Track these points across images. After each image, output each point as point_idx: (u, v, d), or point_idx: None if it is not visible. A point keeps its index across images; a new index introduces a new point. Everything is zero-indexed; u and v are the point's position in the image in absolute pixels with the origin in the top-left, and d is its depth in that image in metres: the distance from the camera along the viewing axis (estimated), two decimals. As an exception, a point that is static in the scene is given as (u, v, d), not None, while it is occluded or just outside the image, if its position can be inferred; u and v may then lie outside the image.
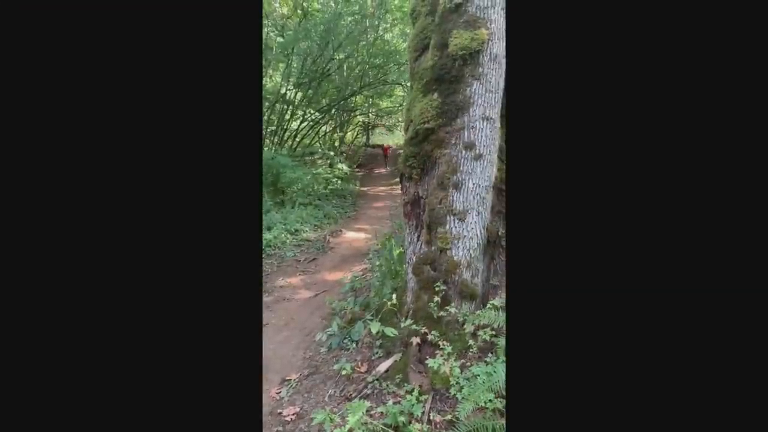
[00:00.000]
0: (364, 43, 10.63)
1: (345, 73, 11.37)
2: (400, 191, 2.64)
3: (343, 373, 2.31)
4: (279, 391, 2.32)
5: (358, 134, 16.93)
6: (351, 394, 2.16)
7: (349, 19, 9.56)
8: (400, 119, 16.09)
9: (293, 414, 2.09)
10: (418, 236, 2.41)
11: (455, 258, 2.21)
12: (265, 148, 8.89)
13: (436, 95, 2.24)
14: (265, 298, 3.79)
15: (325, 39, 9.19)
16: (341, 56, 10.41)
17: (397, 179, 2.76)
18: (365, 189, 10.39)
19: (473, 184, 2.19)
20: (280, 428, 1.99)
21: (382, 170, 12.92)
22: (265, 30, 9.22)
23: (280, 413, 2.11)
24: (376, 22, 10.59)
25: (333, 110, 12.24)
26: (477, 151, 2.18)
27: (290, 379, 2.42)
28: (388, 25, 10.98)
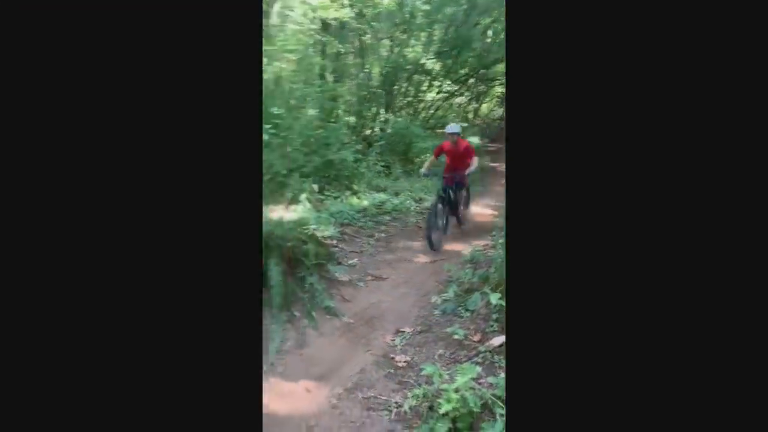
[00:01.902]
0: (514, 3, 9.65)
1: (489, 40, 10.62)
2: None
3: (455, 337, 2.33)
4: (393, 339, 2.50)
5: (494, 106, 15.90)
6: (461, 359, 2.17)
7: (502, -23, 8.76)
8: (545, 90, 14.36)
9: (404, 362, 2.23)
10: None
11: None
12: (400, 118, 9.18)
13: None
14: (387, 256, 4.06)
15: (472, 2, 8.70)
16: (487, 21, 9.71)
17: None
18: (495, 164, 9.81)
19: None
20: (392, 371, 2.16)
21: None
22: (411, -1, 9.26)
23: (393, 358, 2.28)
24: (533, -22, 9.43)
25: (471, 80, 11.70)
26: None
27: (404, 331, 2.57)
28: (547, -20, 9.66)
